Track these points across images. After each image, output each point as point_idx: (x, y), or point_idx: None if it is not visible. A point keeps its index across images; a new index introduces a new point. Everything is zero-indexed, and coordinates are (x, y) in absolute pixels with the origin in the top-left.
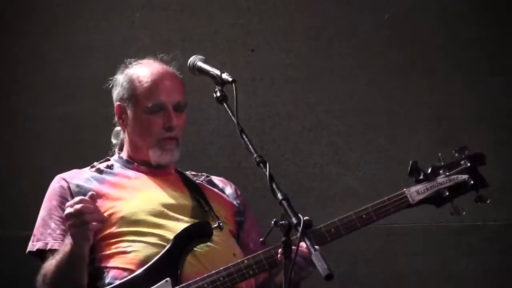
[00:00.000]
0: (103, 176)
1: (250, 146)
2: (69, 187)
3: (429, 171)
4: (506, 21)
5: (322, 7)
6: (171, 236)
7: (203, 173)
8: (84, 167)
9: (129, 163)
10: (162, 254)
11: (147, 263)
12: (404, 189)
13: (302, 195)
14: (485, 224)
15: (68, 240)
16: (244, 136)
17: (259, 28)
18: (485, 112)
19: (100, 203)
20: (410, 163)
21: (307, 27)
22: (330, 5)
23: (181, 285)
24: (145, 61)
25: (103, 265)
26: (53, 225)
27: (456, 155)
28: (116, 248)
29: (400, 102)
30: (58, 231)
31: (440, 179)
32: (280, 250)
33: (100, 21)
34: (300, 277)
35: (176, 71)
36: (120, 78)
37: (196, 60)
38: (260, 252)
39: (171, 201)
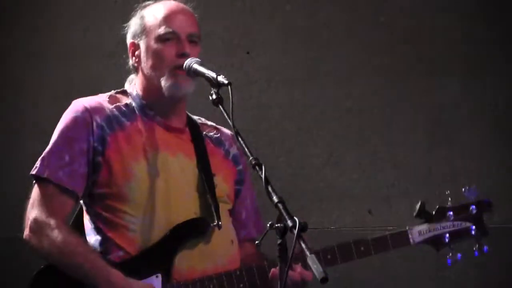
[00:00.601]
0: (122, 119)
1: (246, 149)
2: (92, 123)
3: (435, 211)
4: (503, 22)
5: (317, 9)
6: (173, 219)
7: (213, 125)
8: None
9: (146, 108)
10: (157, 245)
11: (142, 249)
12: (407, 227)
13: (297, 197)
14: None
15: (111, 277)
16: (239, 139)
17: (255, 29)
18: (480, 113)
19: (113, 153)
20: (419, 204)
21: (302, 29)
22: (325, 7)
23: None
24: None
25: (101, 226)
26: (67, 158)
27: (466, 194)
28: (118, 217)
29: (396, 104)
30: (69, 168)
31: (444, 223)
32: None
33: (95, 21)
34: None
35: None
36: (133, 20)
37: (192, 62)
38: (254, 265)
39: (179, 177)
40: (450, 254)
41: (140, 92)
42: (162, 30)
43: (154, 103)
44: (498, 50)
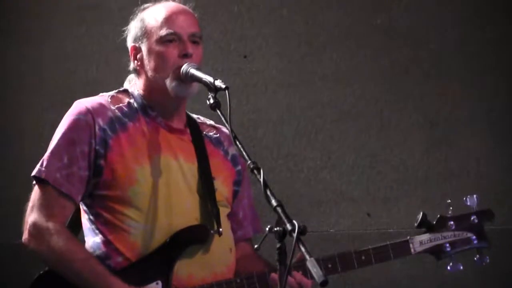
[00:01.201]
0: (125, 120)
1: (244, 153)
2: (94, 125)
3: (436, 221)
4: (499, 24)
5: (314, 13)
6: (174, 225)
7: (212, 124)
8: None
9: (148, 108)
10: (157, 252)
11: (142, 255)
12: (408, 237)
13: (295, 200)
14: None
15: (111, 285)
16: (237, 143)
17: (252, 34)
18: (478, 116)
19: (116, 156)
20: (420, 214)
21: (299, 33)
22: (322, 11)
23: None
24: (159, 3)
25: (101, 227)
26: (66, 160)
27: (468, 203)
28: (119, 220)
29: (392, 106)
30: (67, 170)
31: (445, 232)
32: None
33: (91, 28)
34: None
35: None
36: (133, 23)
37: (189, 67)
38: (254, 273)
39: (180, 181)
40: (451, 264)
41: (141, 93)
42: (163, 32)
43: (156, 103)
44: (496, 52)
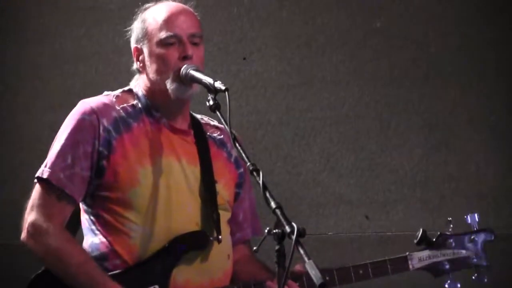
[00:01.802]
0: (129, 121)
1: (243, 154)
2: (98, 126)
3: (435, 239)
4: (498, 27)
5: (313, 15)
6: (174, 229)
7: (216, 125)
8: None
9: (152, 108)
10: (155, 256)
11: (141, 258)
12: (407, 253)
13: (294, 202)
14: None
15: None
16: (237, 144)
17: (251, 36)
18: (477, 119)
19: (119, 158)
20: (420, 232)
21: (298, 35)
22: (321, 13)
23: None
24: (160, 2)
25: (101, 228)
26: (69, 160)
27: (468, 221)
28: (119, 222)
29: (392, 109)
30: (70, 170)
31: (444, 250)
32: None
33: (90, 29)
34: None
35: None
36: (135, 23)
37: (188, 68)
38: (252, 282)
39: (182, 184)
40: (449, 282)
41: (145, 93)
42: (163, 34)
43: (160, 104)
44: (495, 54)
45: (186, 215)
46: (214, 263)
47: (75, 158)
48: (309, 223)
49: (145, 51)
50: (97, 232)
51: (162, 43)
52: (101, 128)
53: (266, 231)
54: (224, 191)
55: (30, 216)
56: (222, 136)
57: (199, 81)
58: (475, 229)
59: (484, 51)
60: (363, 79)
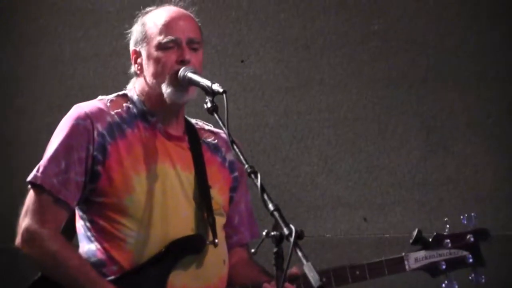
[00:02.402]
0: (124, 127)
1: (241, 157)
2: (93, 131)
3: (432, 239)
4: (497, 31)
5: (311, 18)
6: (170, 235)
7: (210, 129)
8: None
9: (147, 114)
10: (152, 262)
11: (137, 264)
12: (403, 254)
13: (292, 205)
14: None
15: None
16: (235, 147)
17: (249, 38)
18: (475, 121)
19: (114, 163)
20: (416, 231)
21: (296, 38)
22: (319, 16)
23: None
24: (161, 7)
25: (96, 235)
26: (63, 165)
27: (465, 222)
28: (115, 229)
29: (390, 111)
30: (64, 176)
31: (441, 250)
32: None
33: (89, 31)
34: None
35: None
36: (135, 26)
37: (186, 71)
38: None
39: (177, 190)
40: (446, 282)
41: (141, 98)
42: (162, 38)
43: (155, 109)
44: (493, 58)
45: (181, 221)
46: (210, 268)
47: (69, 163)
48: (307, 225)
49: (144, 54)
50: (92, 238)
51: (161, 46)
52: (96, 133)
53: (264, 233)
54: (218, 196)
55: (24, 221)
56: (216, 141)
57: (197, 84)
58: (471, 229)
59: (482, 54)
60: (361, 82)
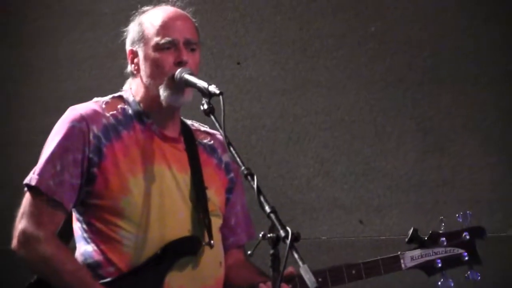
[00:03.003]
0: (119, 129)
1: (238, 159)
2: (88, 133)
3: (427, 237)
4: (493, 33)
5: (308, 20)
6: (166, 236)
7: (206, 130)
8: None
9: (143, 115)
10: (148, 263)
11: (134, 265)
12: (399, 253)
13: (288, 207)
14: None
15: None
16: (231, 149)
17: (245, 40)
18: (471, 123)
19: (110, 165)
20: (411, 230)
21: (293, 40)
22: (316, 18)
23: None
24: (158, 6)
25: (93, 237)
26: (59, 167)
27: (460, 220)
28: (112, 231)
29: (386, 113)
30: (60, 178)
31: (436, 248)
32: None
33: (85, 33)
34: None
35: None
36: (132, 26)
37: (183, 72)
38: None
39: (173, 192)
40: (442, 280)
41: (137, 99)
42: (159, 38)
43: (151, 110)
44: (490, 60)
45: (178, 222)
46: (206, 270)
47: (64, 165)
48: (303, 228)
49: (140, 54)
50: (89, 240)
51: (158, 47)
52: (91, 135)
53: (260, 235)
54: (215, 197)
55: (20, 224)
56: (212, 142)
57: (193, 85)
58: (466, 227)
59: (479, 56)
60: (358, 84)
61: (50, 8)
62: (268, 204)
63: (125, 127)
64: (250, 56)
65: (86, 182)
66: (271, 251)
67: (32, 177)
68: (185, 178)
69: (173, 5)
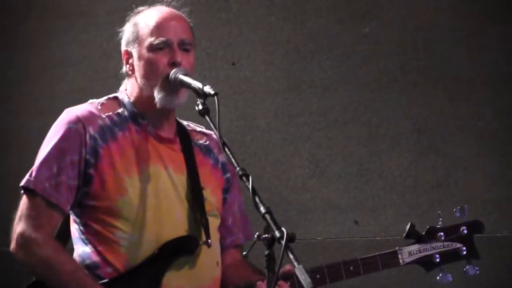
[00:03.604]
0: (115, 130)
1: (233, 159)
2: (85, 134)
3: (425, 232)
4: (487, 34)
5: (302, 20)
6: (163, 236)
7: (202, 131)
8: None
9: (138, 116)
10: (146, 263)
11: (132, 266)
12: (397, 248)
13: (283, 207)
14: None
15: None
16: (226, 149)
17: (240, 41)
18: (466, 124)
19: (106, 166)
20: (408, 225)
21: (287, 40)
22: (310, 18)
23: None
24: (153, 7)
25: (91, 238)
26: (55, 169)
27: (458, 214)
28: (109, 232)
29: (381, 114)
30: (56, 179)
31: (434, 243)
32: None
33: (79, 34)
34: None
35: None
36: (127, 26)
37: (177, 73)
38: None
39: (170, 192)
40: (441, 275)
41: (132, 99)
42: (153, 39)
43: (146, 111)
44: (483, 61)
45: (175, 222)
46: (203, 269)
47: (61, 167)
48: (298, 228)
49: (135, 54)
50: (86, 241)
51: (152, 48)
52: (87, 136)
53: (255, 236)
54: (211, 197)
55: (18, 227)
56: (208, 142)
57: (188, 86)
58: (464, 221)
59: (473, 57)
60: (352, 85)
61: (44, 9)
62: (263, 204)
63: (121, 128)
64: (244, 57)
65: (83, 183)
66: (266, 252)
67: (28, 179)
68: (181, 179)
69: (168, 5)
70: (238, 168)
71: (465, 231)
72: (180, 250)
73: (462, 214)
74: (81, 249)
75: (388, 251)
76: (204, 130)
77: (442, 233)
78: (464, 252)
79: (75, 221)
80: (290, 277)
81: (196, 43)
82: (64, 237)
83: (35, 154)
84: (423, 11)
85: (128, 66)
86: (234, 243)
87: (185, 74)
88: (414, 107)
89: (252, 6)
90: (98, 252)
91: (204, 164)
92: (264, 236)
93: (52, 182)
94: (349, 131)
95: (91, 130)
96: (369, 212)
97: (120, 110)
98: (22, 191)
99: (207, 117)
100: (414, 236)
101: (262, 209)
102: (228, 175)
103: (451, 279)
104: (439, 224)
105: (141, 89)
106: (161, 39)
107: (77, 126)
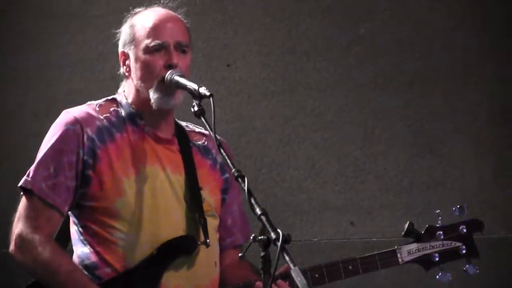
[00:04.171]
0: (113, 131)
1: (228, 161)
2: (82, 135)
3: (424, 231)
4: (484, 35)
5: (297, 22)
6: (161, 236)
7: (201, 132)
8: None
9: (136, 116)
10: (144, 263)
11: (130, 266)
12: (396, 247)
13: (279, 209)
14: None
15: None
16: (222, 151)
17: (235, 42)
18: (462, 125)
19: (104, 167)
20: (407, 224)
21: (283, 41)
22: (305, 20)
23: None
24: (150, 8)
25: (89, 239)
26: (52, 170)
27: (457, 213)
28: (107, 232)
29: (376, 115)
30: (53, 180)
31: (433, 242)
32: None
33: (75, 36)
34: None
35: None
36: (124, 28)
37: (173, 74)
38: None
39: (168, 192)
40: (440, 274)
41: (129, 100)
42: (149, 41)
43: (143, 112)
44: (479, 62)
45: (172, 222)
46: (201, 270)
47: (58, 167)
48: (294, 230)
49: (131, 56)
50: (85, 242)
51: (148, 49)
52: (85, 137)
53: (251, 237)
54: (209, 197)
55: (17, 228)
56: (206, 143)
57: (183, 87)
58: (463, 220)
59: (469, 58)
60: (347, 86)
61: (40, 10)
62: (259, 206)
63: (118, 129)
64: (239, 58)
65: (81, 184)
66: (262, 253)
67: (26, 180)
68: (179, 179)
69: (165, 6)
70: (233, 170)
71: (465, 230)
72: (178, 250)
73: (461, 213)
74: (80, 250)
75: (387, 250)
76: (203, 130)
77: (441, 232)
78: (464, 251)
79: (74, 222)
80: (289, 275)
81: (192, 44)
82: (64, 238)
83: (31, 156)
84: (419, 12)
85: (125, 67)
86: (233, 243)
87: (181, 76)
88: (410, 108)
89: (247, 8)
90: (97, 253)
91: (202, 165)
92: (259, 237)
93: (49, 182)
94: (344, 132)
95: (89, 131)
96: (365, 213)
97: (118, 111)
98: (21, 192)
99: (202, 119)
100: (413, 235)
101: (258, 211)
102: (227, 175)
103: (450, 278)
104: (438, 223)
105: (137, 91)
106: (157, 41)
107: (75, 127)
